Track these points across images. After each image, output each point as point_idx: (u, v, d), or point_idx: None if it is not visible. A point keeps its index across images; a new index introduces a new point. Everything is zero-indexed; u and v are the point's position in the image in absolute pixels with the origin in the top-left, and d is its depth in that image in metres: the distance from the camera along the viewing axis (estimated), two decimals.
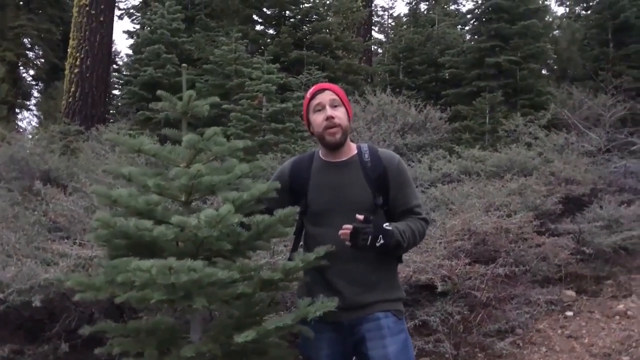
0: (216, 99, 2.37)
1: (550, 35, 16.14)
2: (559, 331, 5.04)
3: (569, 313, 5.42)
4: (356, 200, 2.40)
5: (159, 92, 2.29)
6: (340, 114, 2.44)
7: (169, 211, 2.21)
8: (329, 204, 2.41)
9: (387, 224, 2.31)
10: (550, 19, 17.68)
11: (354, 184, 2.43)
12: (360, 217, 2.24)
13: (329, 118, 2.41)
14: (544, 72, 15.19)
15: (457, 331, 4.60)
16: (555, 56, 15.57)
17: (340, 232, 2.24)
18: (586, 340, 4.82)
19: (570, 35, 15.74)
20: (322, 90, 2.48)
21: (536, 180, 6.96)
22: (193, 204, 2.31)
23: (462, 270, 4.75)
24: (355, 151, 2.52)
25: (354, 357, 2.43)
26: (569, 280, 5.99)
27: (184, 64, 2.40)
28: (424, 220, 2.50)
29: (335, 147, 2.46)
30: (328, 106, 2.44)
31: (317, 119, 2.45)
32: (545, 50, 12.98)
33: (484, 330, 4.73)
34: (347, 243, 2.24)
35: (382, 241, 2.25)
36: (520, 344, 4.79)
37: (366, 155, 2.48)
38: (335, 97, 2.46)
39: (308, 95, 2.52)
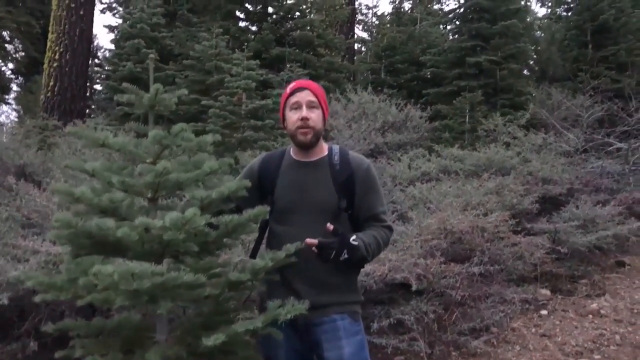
0: (184, 91, 2.32)
1: (531, 35, 16.27)
2: (533, 330, 5.08)
3: (544, 312, 5.46)
4: (321, 202, 2.40)
5: (124, 84, 2.25)
6: (315, 116, 2.43)
7: (134, 209, 2.16)
8: (294, 203, 2.41)
9: (353, 237, 2.30)
10: (531, 20, 17.83)
11: (320, 185, 2.42)
12: (330, 227, 2.26)
13: (304, 119, 2.40)
14: (524, 72, 15.29)
15: (432, 330, 4.61)
16: (536, 56, 15.71)
17: (306, 241, 2.25)
18: (559, 339, 4.86)
19: (550, 36, 15.88)
20: (302, 88, 2.46)
21: (514, 179, 7.01)
22: (160, 200, 2.27)
23: (438, 269, 4.75)
24: (326, 152, 2.51)
25: (315, 357, 2.43)
26: (544, 279, 6.04)
27: (151, 54, 2.35)
28: (388, 228, 2.51)
29: (305, 148, 2.46)
30: (305, 106, 2.42)
31: (292, 117, 2.44)
32: (526, 51, 13.11)
33: (459, 328, 4.75)
34: (314, 249, 2.25)
35: (346, 256, 2.27)
36: (495, 343, 4.82)
37: (336, 158, 2.48)
38: (313, 98, 2.44)
39: (287, 90, 2.50)
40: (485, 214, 5.59)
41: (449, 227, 5.19)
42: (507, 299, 5.27)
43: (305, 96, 2.44)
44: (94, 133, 2.12)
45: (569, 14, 16.80)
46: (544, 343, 4.80)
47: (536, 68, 16.57)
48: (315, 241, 2.23)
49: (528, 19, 16.32)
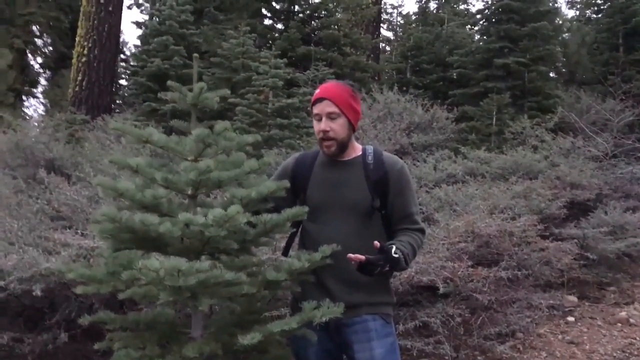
0: (227, 91, 2.34)
1: (560, 38, 16.05)
2: (560, 336, 5.02)
3: (571, 319, 5.39)
4: (353, 200, 2.40)
5: (169, 82, 2.27)
6: (336, 126, 2.40)
7: (174, 205, 2.19)
8: (326, 201, 2.41)
9: (394, 249, 2.24)
10: (561, 22, 17.59)
11: (353, 184, 2.42)
12: (377, 245, 2.22)
13: (324, 131, 2.39)
14: (552, 75, 15.09)
15: (458, 333, 4.58)
16: (564, 59, 15.49)
17: (351, 257, 2.20)
18: (587, 347, 4.80)
19: (580, 39, 15.66)
20: (322, 99, 2.43)
21: (541, 183, 6.92)
22: (199, 198, 2.29)
23: (465, 273, 4.72)
24: (360, 152, 2.51)
25: (345, 358, 2.43)
26: (572, 286, 5.96)
27: (195, 54, 2.37)
28: (421, 231, 2.49)
29: (331, 157, 2.46)
30: (324, 118, 2.40)
31: (315, 127, 2.45)
32: (555, 53, 12.92)
33: (485, 333, 4.70)
34: (354, 264, 2.23)
35: (387, 268, 2.24)
36: (521, 348, 4.77)
37: (369, 157, 2.47)
38: (333, 108, 2.40)
39: (312, 99, 2.49)
40: (513, 218, 5.52)
41: (476, 231, 5.15)
42: (533, 304, 5.20)
43: (324, 107, 2.41)
44: (139, 130, 2.15)
45: (599, 16, 16.56)
46: (571, 350, 4.74)
47: (564, 71, 16.34)
48: (362, 257, 2.19)
49: (557, 21, 16.09)
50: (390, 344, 2.39)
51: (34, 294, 3.76)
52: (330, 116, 2.40)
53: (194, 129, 2.16)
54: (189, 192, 2.19)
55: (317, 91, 2.47)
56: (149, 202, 2.07)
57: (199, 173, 2.04)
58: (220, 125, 2.17)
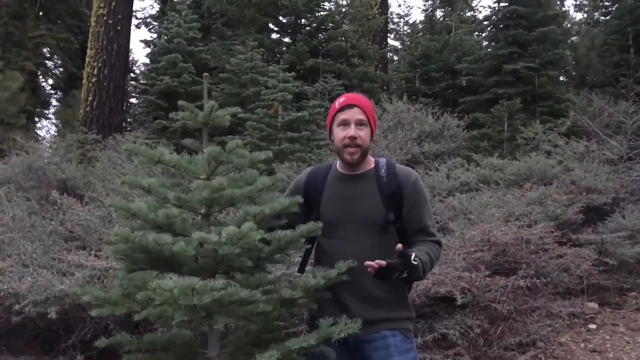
0: (237, 109, 2.33)
1: (569, 41, 15.96)
2: (582, 345, 4.92)
3: (592, 326, 5.29)
4: (367, 214, 2.36)
5: (180, 102, 2.26)
6: (363, 135, 2.39)
7: (187, 224, 2.18)
8: (340, 216, 2.38)
9: (413, 256, 2.19)
10: (569, 25, 17.51)
11: (367, 198, 2.38)
12: (400, 247, 2.18)
13: (352, 138, 2.36)
14: (562, 78, 15.00)
15: (477, 345, 4.51)
16: (574, 63, 15.38)
17: (369, 264, 2.14)
18: (611, 355, 4.70)
19: (589, 42, 15.55)
20: (352, 105, 2.40)
21: (556, 189, 6.84)
22: (212, 216, 2.27)
23: (482, 282, 4.66)
24: (372, 165, 2.47)
25: None
26: (592, 292, 5.85)
27: (205, 73, 2.36)
28: (438, 243, 2.45)
29: (351, 165, 2.43)
30: (353, 124, 2.37)
31: (340, 134, 2.40)
32: (564, 57, 12.81)
33: (505, 343, 4.63)
34: (370, 270, 2.17)
35: (404, 275, 2.20)
36: (542, 358, 4.68)
37: (382, 170, 2.43)
38: (362, 116, 2.39)
39: (337, 105, 2.45)
40: (529, 225, 5.45)
41: (492, 239, 5.08)
42: (553, 312, 5.12)
43: (354, 114, 2.39)
44: (150, 150, 2.14)
45: (608, 18, 16.46)
46: (594, 359, 4.64)
47: (574, 74, 16.24)
48: (383, 262, 2.14)
49: (566, 25, 16.01)
50: (411, 359, 2.34)
51: (49, 316, 3.77)
52: (359, 123, 2.38)
53: (205, 148, 2.15)
54: (202, 210, 2.17)
55: (343, 99, 2.44)
56: (162, 221, 2.06)
57: (212, 191, 2.03)
58: (232, 142, 2.15)
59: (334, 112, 2.45)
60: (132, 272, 2.15)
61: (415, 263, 2.18)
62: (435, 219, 5.89)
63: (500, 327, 4.76)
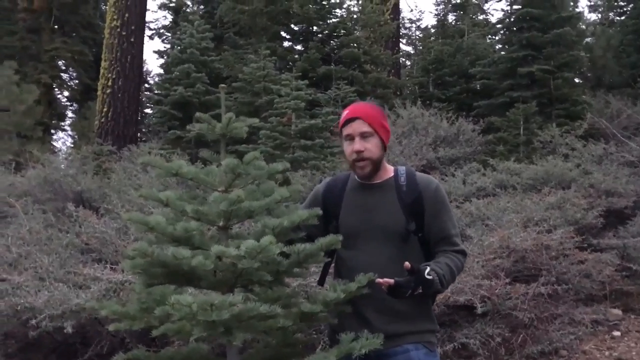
0: (255, 120, 2.32)
1: (584, 42, 15.79)
2: (607, 353, 4.81)
3: (616, 333, 5.18)
4: (387, 225, 2.31)
5: (197, 114, 2.27)
6: (370, 146, 2.33)
7: (205, 237, 2.16)
8: (360, 227, 2.33)
9: (428, 270, 2.15)
10: (584, 27, 17.33)
11: (387, 208, 2.33)
12: (408, 266, 2.13)
13: (358, 152, 2.32)
14: (578, 80, 14.83)
15: (499, 354, 4.44)
16: (590, 64, 15.21)
17: (379, 281, 2.12)
18: None
19: (605, 43, 15.37)
20: (354, 119, 2.35)
21: (575, 193, 6.73)
22: (230, 229, 2.25)
23: (502, 290, 4.59)
24: (392, 174, 2.42)
25: None
26: (615, 298, 5.73)
27: (222, 85, 2.36)
28: (462, 253, 2.39)
29: (364, 179, 2.38)
30: (358, 138, 2.32)
31: (347, 149, 2.37)
32: (580, 59, 12.67)
33: (527, 352, 4.55)
34: (383, 288, 2.14)
35: (420, 291, 2.15)
36: None
37: (402, 179, 2.38)
38: (366, 128, 2.33)
39: (341, 119, 2.41)
40: (549, 231, 5.37)
41: (511, 246, 5.01)
42: (576, 319, 5.04)
43: (357, 127, 2.33)
44: (168, 163, 2.14)
45: (623, 18, 16.27)
46: None
47: (590, 75, 16.06)
48: (391, 281, 2.11)
49: (580, 26, 15.85)
50: None
51: (65, 330, 3.75)
52: (364, 135, 2.33)
53: (223, 159, 2.13)
54: (220, 223, 2.15)
55: (346, 112, 2.39)
56: (180, 235, 2.04)
57: (230, 204, 2.01)
58: (250, 154, 2.13)
59: (340, 126, 2.41)
60: (150, 286, 2.13)
61: (430, 277, 2.13)
62: None
63: (521, 336, 4.68)
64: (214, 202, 2.09)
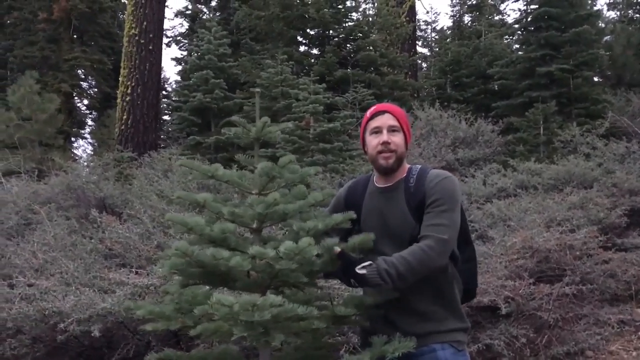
0: (289, 124, 2.36)
1: (604, 41, 15.63)
2: (634, 353, 4.75)
3: None
4: (397, 229, 2.31)
5: (233, 117, 2.31)
6: (397, 140, 2.35)
7: (240, 239, 2.19)
8: (377, 231, 2.32)
9: (364, 264, 2.12)
10: (603, 25, 17.15)
11: (397, 213, 2.33)
12: (336, 251, 2.15)
13: (385, 143, 2.33)
14: (598, 79, 14.68)
15: (524, 355, 4.41)
16: (610, 62, 15.04)
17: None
18: None
19: (625, 40, 15.19)
20: (383, 112, 2.40)
21: (598, 192, 6.67)
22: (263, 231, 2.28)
23: (526, 291, 4.55)
24: (404, 174, 2.40)
25: None
26: None
27: (257, 89, 2.43)
28: (427, 237, 2.20)
29: (386, 172, 2.39)
30: (385, 130, 2.35)
31: (373, 141, 2.38)
32: (599, 57, 12.54)
33: (552, 353, 4.51)
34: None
35: (356, 285, 2.20)
36: None
37: (412, 180, 2.35)
38: (394, 122, 2.37)
39: (368, 114, 2.44)
40: (572, 230, 5.32)
41: (534, 246, 4.97)
42: (601, 320, 4.98)
43: (386, 120, 2.37)
44: (205, 166, 2.20)
45: None
46: None
47: (610, 74, 15.88)
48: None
49: (599, 24, 15.68)
50: None
51: (92, 334, 3.79)
52: (392, 129, 2.36)
53: (257, 163, 2.18)
54: (254, 225, 2.19)
55: (374, 107, 2.45)
56: (217, 236, 2.08)
57: (267, 206, 2.06)
58: (285, 158, 2.17)
59: (366, 120, 2.44)
60: (185, 286, 2.17)
61: (362, 272, 2.11)
62: (473, 226, 5.86)
63: (546, 336, 4.64)
64: (249, 205, 2.13)
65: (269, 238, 2.24)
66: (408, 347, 2.09)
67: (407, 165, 2.45)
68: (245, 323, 1.86)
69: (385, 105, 2.48)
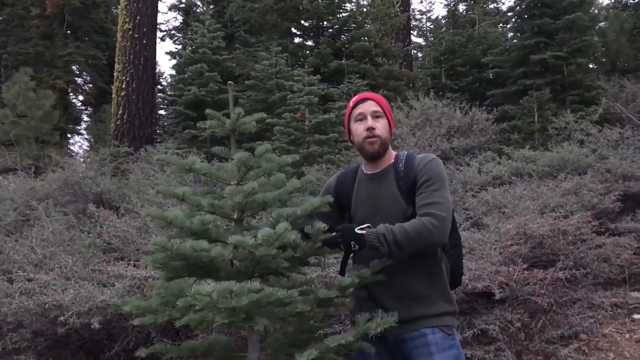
0: (262, 114, 2.37)
1: (597, 27, 15.65)
2: (627, 335, 4.81)
3: (637, 316, 5.16)
4: (390, 212, 2.36)
5: (207, 110, 2.34)
6: (381, 125, 2.42)
7: (221, 230, 2.21)
8: (368, 217, 2.37)
9: (362, 226, 2.22)
10: (596, 11, 17.16)
11: (387, 196, 2.39)
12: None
13: (370, 129, 2.40)
14: (592, 66, 14.71)
15: (519, 339, 4.45)
16: (604, 49, 15.07)
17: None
18: None
19: (618, 26, 15.21)
20: (365, 99, 2.47)
21: (591, 178, 6.71)
22: (244, 221, 2.31)
23: (520, 276, 4.60)
24: (393, 160, 2.47)
25: None
26: (634, 282, 5.71)
27: (230, 82, 2.42)
28: (428, 214, 2.25)
29: (373, 158, 2.45)
30: (369, 116, 2.42)
31: (358, 128, 2.44)
32: (593, 44, 12.56)
33: (547, 337, 4.55)
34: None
35: (356, 247, 2.20)
36: (586, 350, 4.59)
37: (401, 165, 2.43)
38: (377, 108, 2.44)
39: (350, 103, 2.51)
40: (566, 216, 5.37)
41: (528, 232, 5.01)
42: (595, 303, 5.02)
43: (369, 107, 2.44)
44: (182, 159, 2.20)
45: (637, 1, 16.09)
46: None
47: (604, 60, 15.91)
48: (319, 243, 2.23)
49: (592, 11, 15.69)
50: (453, 357, 2.31)
51: (92, 327, 3.84)
52: (375, 114, 2.43)
53: (234, 154, 2.19)
54: (235, 216, 2.21)
55: (355, 97, 2.51)
56: (197, 228, 2.10)
57: (245, 196, 2.07)
58: (261, 147, 2.20)
59: (350, 110, 2.51)
60: (170, 280, 2.20)
61: (361, 232, 2.20)
62: (468, 214, 5.91)
63: (541, 321, 4.69)
64: (228, 196, 2.15)
65: (250, 228, 2.26)
66: (390, 323, 2.13)
67: (393, 152, 2.51)
68: (226, 310, 1.89)
69: (367, 93, 2.55)
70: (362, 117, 2.43)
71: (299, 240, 2.10)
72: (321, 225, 2.19)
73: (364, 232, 2.19)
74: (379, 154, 2.43)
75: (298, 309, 2.04)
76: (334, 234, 2.23)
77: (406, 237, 2.20)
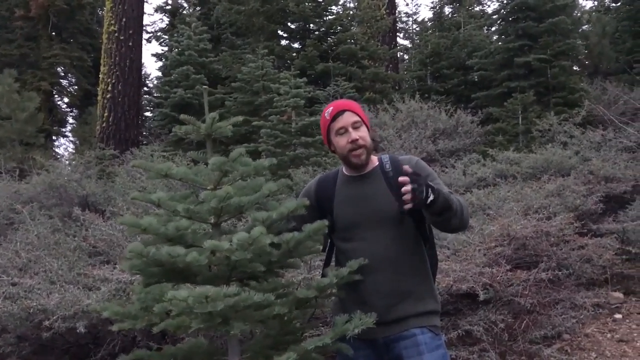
0: (239, 118, 2.37)
1: (580, 30, 15.84)
2: (609, 335, 4.88)
3: (618, 316, 5.24)
4: (381, 211, 2.38)
5: (182, 116, 2.32)
6: (363, 134, 2.43)
7: (198, 235, 2.21)
8: (355, 218, 2.40)
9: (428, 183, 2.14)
10: (579, 14, 17.36)
11: (378, 195, 2.40)
12: (408, 169, 2.12)
13: (354, 141, 2.40)
14: (575, 68, 14.88)
15: (502, 340, 4.49)
16: (586, 52, 15.26)
17: (400, 179, 2.10)
18: (638, 344, 4.65)
19: (601, 29, 15.40)
20: (342, 111, 2.45)
21: (574, 180, 6.79)
22: (222, 225, 2.32)
23: (504, 277, 4.64)
24: (377, 162, 2.50)
25: None
26: (616, 282, 5.80)
27: (204, 86, 2.41)
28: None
29: (360, 168, 2.46)
30: (350, 128, 2.42)
31: (341, 141, 2.44)
32: (576, 47, 12.72)
33: (530, 337, 4.60)
34: (407, 206, 2.09)
35: (431, 197, 2.08)
36: (569, 350, 4.65)
37: (387, 165, 2.46)
38: (356, 118, 2.44)
39: (327, 116, 2.48)
40: (549, 218, 5.43)
41: (512, 233, 5.07)
42: (577, 304, 5.07)
43: (348, 118, 2.43)
44: (157, 165, 2.19)
45: (619, 4, 16.29)
46: (621, 349, 4.60)
47: (587, 63, 16.10)
48: (405, 178, 2.07)
49: (576, 14, 15.88)
50: (441, 356, 2.35)
51: (78, 331, 3.81)
52: (355, 125, 2.43)
53: (209, 158, 2.19)
54: (212, 220, 2.21)
55: (330, 109, 2.48)
56: (172, 234, 2.09)
57: (220, 200, 2.06)
58: (235, 151, 2.19)
59: (327, 123, 2.48)
60: (149, 285, 2.19)
61: (434, 185, 2.13)
62: None
63: (524, 321, 4.74)
64: (204, 200, 2.15)
65: (228, 232, 2.25)
66: (368, 324, 2.13)
67: (374, 156, 2.54)
68: (202, 315, 1.89)
69: (341, 103, 2.50)
70: (344, 131, 2.43)
71: (274, 245, 2.11)
72: (288, 236, 2.17)
73: (435, 186, 2.12)
74: (366, 163, 2.45)
75: (276, 311, 2.04)
76: (413, 178, 2.08)
77: (460, 205, 2.26)
